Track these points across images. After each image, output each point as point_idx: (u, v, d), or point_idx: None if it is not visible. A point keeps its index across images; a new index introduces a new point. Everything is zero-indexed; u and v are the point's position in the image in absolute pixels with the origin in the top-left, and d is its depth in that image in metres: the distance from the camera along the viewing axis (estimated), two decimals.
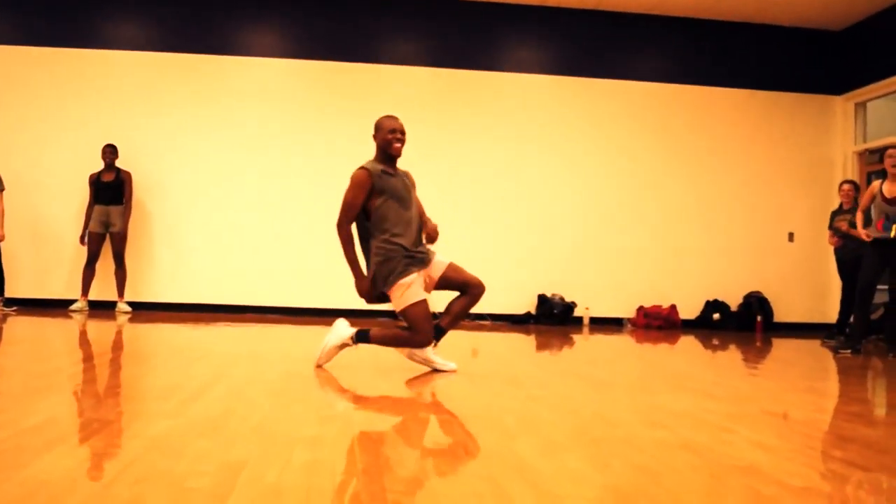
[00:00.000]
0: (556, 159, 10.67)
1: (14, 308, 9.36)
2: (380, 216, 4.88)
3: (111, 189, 9.78)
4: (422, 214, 5.11)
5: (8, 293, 9.53)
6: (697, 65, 10.98)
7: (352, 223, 4.97)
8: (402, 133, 4.96)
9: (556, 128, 10.70)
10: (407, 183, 5.03)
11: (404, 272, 4.82)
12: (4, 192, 9.37)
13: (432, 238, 5.10)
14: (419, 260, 4.93)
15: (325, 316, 9.78)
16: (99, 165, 9.90)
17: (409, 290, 4.83)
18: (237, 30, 10.49)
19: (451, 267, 5.09)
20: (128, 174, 9.91)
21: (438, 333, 5.16)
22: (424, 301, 4.92)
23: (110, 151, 9.82)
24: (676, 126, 10.89)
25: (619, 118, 10.80)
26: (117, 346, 6.13)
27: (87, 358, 5.14)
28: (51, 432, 2.82)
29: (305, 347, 6.17)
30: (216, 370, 4.62)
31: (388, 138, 4.91)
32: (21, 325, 8.04)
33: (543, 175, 10.64)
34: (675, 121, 10.88)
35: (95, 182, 9.79)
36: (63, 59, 10.28)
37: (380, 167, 4.92)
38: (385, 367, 5.18)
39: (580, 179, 10.68)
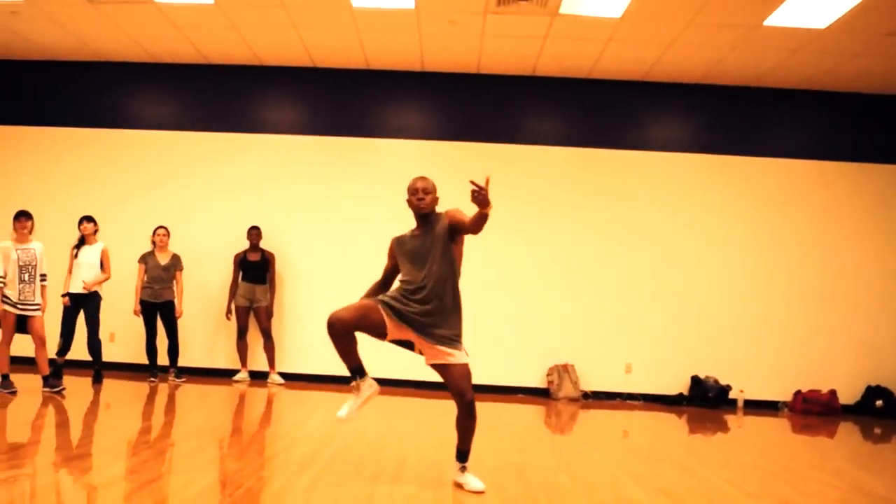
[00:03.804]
0: (709, 239, 10.59)
1: (183, 378, 9.86)
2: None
3: (256, 269, 10.19)
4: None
5: (181, 363, 10.00)
6: (844, 140, 10.74)
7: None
8: (424, 192, 4.88)
9: (705, 206, 10.64)
10: (424, 244, 4.85)
11: None
12: (183, 272, 9.91)
13: None
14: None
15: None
16: (243, 244, 10.38)
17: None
18: (380, 112, 10.84)
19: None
20: (271, 255, 10.34)
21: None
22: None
23: (255, 233, 10.27)
24: (827, 203, 10.65)
25: (767, 196, 10.64)
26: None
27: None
28: None
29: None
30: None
31: (410, 199, 4.90)
32: (190, 393, 8.56)
33: (695, 255, 10.58)
34: (825, 198, 10.65)
35: (242, 262, 10.24)
36: (217, 143, 10.89)
37: (406, 233, 4.99)
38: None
39: (733, 260, 10.56)
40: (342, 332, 4.58)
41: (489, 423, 7.66)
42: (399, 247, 4.97)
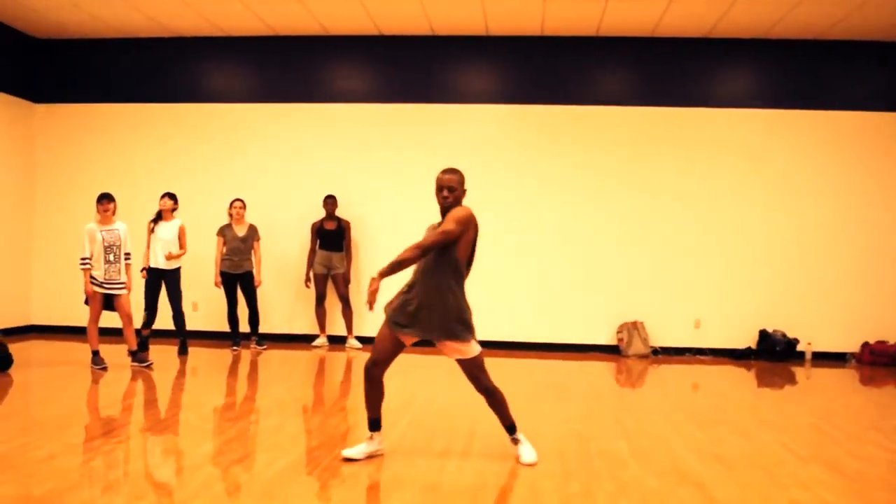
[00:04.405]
0: (776, 195, 10.62)
1: (265, 345, 10.33)
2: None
3: (333, 236, 10.54)
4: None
5: (262, 330, 10.49)
6: None
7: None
8: (449, 190, 4.89)
9: (772, 161, 10.63)
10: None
11: None
12: (260, 242, 10.30)
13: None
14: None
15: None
16: (318, 212, 10.75)
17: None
18: (446, 78, 11.06)
19: None
20: (347, 223, 10.66)
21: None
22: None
23: (331, 202, 10.62)
24: (892, 154, 10.61)
25: (832, 149, 10.60)
26: None
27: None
28: None
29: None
30: None
31: (437, 195, 4.95)
32: (272, 360, 8.98)
33: (762, 211, 10.63)
34: (890, 148, 10.59)
35: (319, 230, 10.62)
36: (289, 114, 11.24)
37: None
38: None
39: (800, 214, 10.59)
40: (379, 377, 5.01)
41: (558, 385, 8.02)
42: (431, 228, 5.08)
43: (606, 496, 4.41)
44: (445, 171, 4.96)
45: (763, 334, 10.44)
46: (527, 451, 5.08)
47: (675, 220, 10.71)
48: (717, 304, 10.63)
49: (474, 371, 4.95)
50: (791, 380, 9.07)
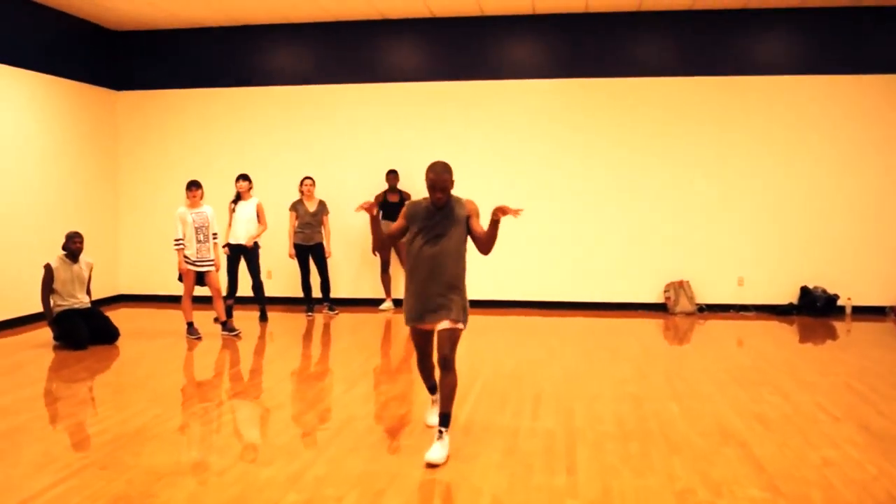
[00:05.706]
0: (816, 155, 11.13)
1: (336, 311, 11.21)
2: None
3: (396, 208, 11.24)
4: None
5: (332, 295, 11.41)
6: None
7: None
8: (443, 191, 4.88)
9: (813, 124, 11.11)
10: (438, 221, 4.98)
11: None
12: (329, 216, 11.09)
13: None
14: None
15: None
16: (382, 186, 11.52)
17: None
18: (496, 55, 11.66)
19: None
20: (409, 195, 11.38)
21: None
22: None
23: (393, 176, 11.34)
24: None
25: (869, 111, 11.03)
26: None
27: None
28: None
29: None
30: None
31: (430, 193, 4.93)
32: (345, 324, 9.74)
33: (802, 171, 11.16)
34: None
35: (382, 203, 11.32)
36: (351, 93, 11.99)
37: (422, 202, 5.05)
38: None
39: (840, 173, 11.10)
40: (429, 366, 5.43)
41: (611, 346, 8.69)
42: (413, 215, 5.07)
43: (661, 455, 5.12)
44: (441, 171, 4.89)
45: (804, 290, 11.03)
46: (438, 448, 4.97)
47: (718, 183, 11.30)
48: (759, 262, 11.24)
49: (443, 342, 4.93)
50: (831, 335, 9.67)
